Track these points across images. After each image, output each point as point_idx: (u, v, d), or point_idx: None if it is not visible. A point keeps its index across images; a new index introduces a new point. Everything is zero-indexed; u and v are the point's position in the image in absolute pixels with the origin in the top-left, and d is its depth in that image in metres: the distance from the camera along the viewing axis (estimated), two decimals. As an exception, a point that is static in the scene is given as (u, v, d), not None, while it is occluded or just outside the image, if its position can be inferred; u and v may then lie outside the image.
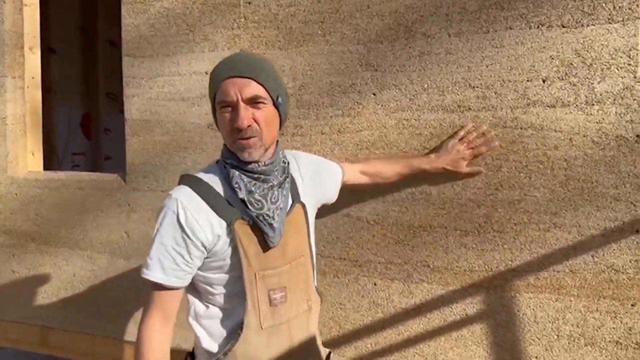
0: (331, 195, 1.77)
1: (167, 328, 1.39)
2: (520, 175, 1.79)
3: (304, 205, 1.57)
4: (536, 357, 1.81)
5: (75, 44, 5.10)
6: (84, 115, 5.20)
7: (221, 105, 1.38)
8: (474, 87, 1.84)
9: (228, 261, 1.41)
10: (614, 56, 1.66)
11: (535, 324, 1.80)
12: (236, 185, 1.40)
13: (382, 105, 1.98)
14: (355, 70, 2.01)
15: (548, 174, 1.76)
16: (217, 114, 1.42)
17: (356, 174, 1.86)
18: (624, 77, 1.65)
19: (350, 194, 2.03)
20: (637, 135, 1.65)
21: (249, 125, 1.36)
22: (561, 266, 1.75)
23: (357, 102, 2.01)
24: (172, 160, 2.37)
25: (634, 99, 1.64)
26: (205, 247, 1.38)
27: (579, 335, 1.75)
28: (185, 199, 1.38)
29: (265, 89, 1.38)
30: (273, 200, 1.42)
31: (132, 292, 2.52)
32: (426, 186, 1.92)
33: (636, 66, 1.64)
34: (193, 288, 1.50)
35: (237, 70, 1.36)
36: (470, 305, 1.89)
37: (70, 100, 5.02)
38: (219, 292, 1.45)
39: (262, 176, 1.42)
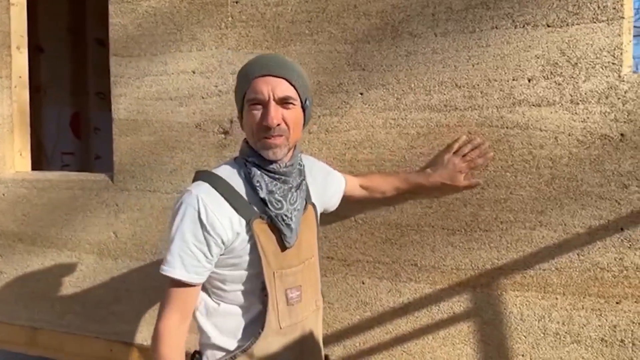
0: (333, 202, 1.80)
1: (184, 326, 1.40)
2: (506, 174, 1.80)
3: (314, 207, 1.61)
4: (523, 355, 1.82)
5: (64, 43, 5.07)
6: (74, 114, 5.17)
7: (251, 102, 1.39)
8: (460, 87, 1.84)
9: (246, 258, 1.42)
10: (598, 55, 1.67)
11: (521, 322, 1.81)
12: (257, 184, 1.41)
13: (369, 105, 1.98)
14: (342, 69, 2.02)
15: (534, 173, 1.76)
16: (244, 112, 1.43)
17: (356, 187, 1.89)
18: (609, 76, 1.66)
19: (338, 193, 2.03)
20: (622, 134, 1.66)
21: (278, 124, 1.37)
22: (547, 264, 1.76)
23: (344, 102, 2.02)
24: (160, 160, 2.37)
25: (619, 98, 1.65)
26: (224, 244, 1.38)
27: (565, 332, 1.76)
28: (205, 195, 1.38)
29: (296, 90, 1.41)
30: (292, 201, 1.45)
31: (121, 292, 2.51)
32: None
33: (620, 65, 1.65)
34: (203, 285, 1.50)
35: (271, 70, 1.38)
36: (458, 304, 1.90)
37: (59, 99, 4.99)
38: (231, 289, 1.46)
39: (283, 177, 1.44)
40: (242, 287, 1.46)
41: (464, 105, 1.84)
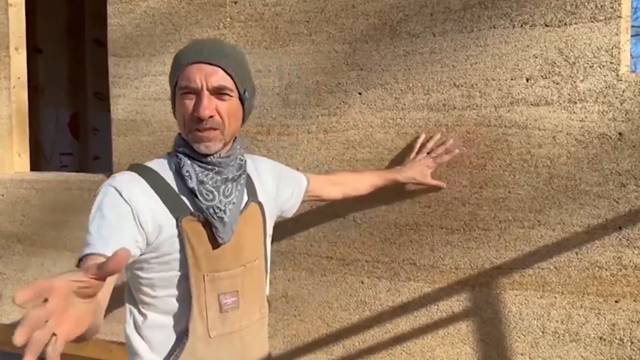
0: (291, 204, 1.66)
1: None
2: (505, 173, 1.80)
3: (261, 205, 1.46)
4: (522, 354, 1.82)
5: (62, 43, 5.07)
6: (72, 115, 5.18)
7: (183, 91, 1.28)
8: (458, 86, 1.85)
9: (176, 256, 1.29)
10: (596, 54, 1.68)
11: (520, 320, 1.82)
12: (187, 174, 1.29)
13: (367, 105, 1.98)
14: (341, 69, 2.02)
15: (532, 172, 1.77)
16: (176, 100, 1.32)
17: (325, 184, 1.77)
18: (607, 75, 1.67)
19: (337, 193, 2.03)
20: (620, 133, 1.66)
21: (211, 116, 1.26)
22: (545, 263, 1.77)
23: (343, 102, 2.02)
24: (159, 161, 2.37)
25: (616, 97, 1.66)
26: (145, 233, 1.23)
27: (564, 331, 1.76)
28: (129, 181, 1.26)
29: (233, 81, 1.29)
30: (226, 193, 1.32)
31: (119, 292, 2.50)
32: (412, 184, 1.93)
33: (618, 64, 1.65)
34: (131, 294, 1.37)
35: (206, 56, 1.27)
36: (457, 303, 1.90)
37: (58, 100, 4.99)
38: (161, 294, 1.32)
39: (217, 168, 1.32)
40: (173, 292, 1.31)
41: (462, 104, 1.85)
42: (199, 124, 1.26)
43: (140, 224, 1.22)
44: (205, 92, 1.26)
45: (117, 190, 1.22)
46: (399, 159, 1.94)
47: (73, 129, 5.19)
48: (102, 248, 1.13)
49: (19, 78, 2.89)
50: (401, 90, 1.93)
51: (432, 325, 1.94)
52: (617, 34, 1.65)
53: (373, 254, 2.01)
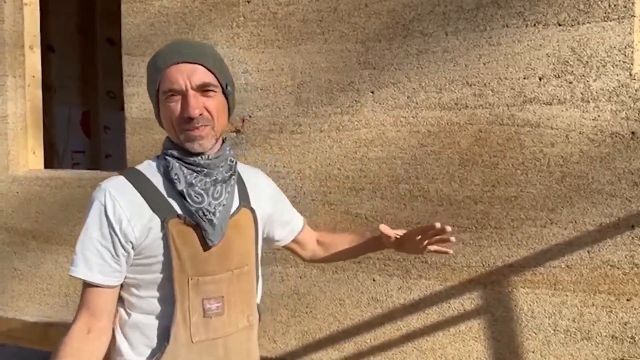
0: (280, 235, 1.59)
1: (95, 334, 1.25)
2: (517, 172, 1.81)
3: (253, 211, 1.43)
4: (533, 352, 1.83)
5: (74, 42, 5.12)
6: (84, 113, 5.23)
7: (167, 94, 1.27)
8: (471, 85, 1.86)
9: (159, 259, 1.28)
10: (609, 54, 1.68)
11: (532, 318, 1.82)
12: (175, 177, 1.28)
13: (380, 103, 1.99)
14: (353, 68, 2.03)
15: (544, 171, 1.77)
16: (160, 105, 1.31)
17: (313, 240, 1.68)
18: (620, 74, 1.67)
19: (350, 191, 2.05)
20: (632, 132, 1.66)
21: (201, 114, 1.26)
22: (557, 262, 1.77)
23: (355, 100, 2.03)
24: (172, 158, 2.39)
25: (629, 97, 1.66)
26: (132, 243, 1.26)
27: (576, 329, 1.77)
28: (115, 189, 1.27)
29: (215, 76, 1.30)
30: (215, 195, 1.30)
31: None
32: (424, 183, 1.94)
33: (631, 64, 1.66)
34: (119, 294, 1.35)
35: (184, 56, 1.26)
36: (468, 301, 1.91)
37: (70, 98, 5.05)
38: (146, 295, 1.31)
39: (205, 170, 1.30)
40: (157, 294, 1.30)
41: (474, 103, 1.85)
42: (189, 123, 1.26)
43: (126, 236, 1.25)
44: (191, 92, 1.26)
45: (102, 204, 1.26)
46: (411, 158, 1.95)
47: (85, 127, 5.24)
48: (86, 274, 1.25)
49: (33, 76, 2.92)
50: (413, 89, 1.94)
51: (443, 322, 1.95)
52: (630, 33, 1.65)
53: (385, 252, 2.02)
